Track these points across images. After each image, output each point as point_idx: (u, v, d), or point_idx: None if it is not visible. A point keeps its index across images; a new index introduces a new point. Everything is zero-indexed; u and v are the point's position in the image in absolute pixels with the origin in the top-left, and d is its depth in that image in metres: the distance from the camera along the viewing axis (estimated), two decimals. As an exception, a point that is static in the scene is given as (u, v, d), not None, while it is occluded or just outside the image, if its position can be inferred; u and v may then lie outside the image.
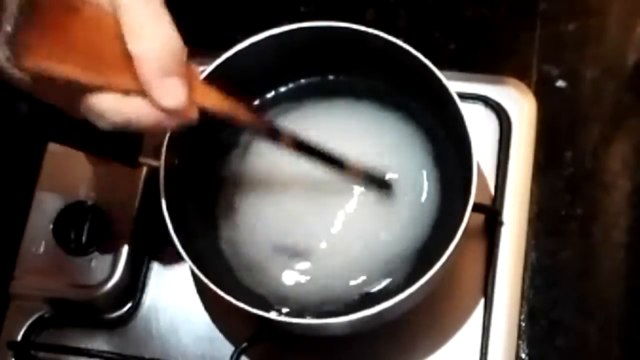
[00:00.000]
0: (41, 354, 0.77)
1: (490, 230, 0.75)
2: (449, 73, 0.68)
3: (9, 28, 0.50)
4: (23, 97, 0.61)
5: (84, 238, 0.75)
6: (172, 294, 0.77)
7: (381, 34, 0.69)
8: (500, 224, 0.75)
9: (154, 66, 0.52)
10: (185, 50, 0.54)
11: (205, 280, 0.65)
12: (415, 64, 0.68)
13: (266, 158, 0.74)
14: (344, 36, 0.70)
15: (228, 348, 0.73)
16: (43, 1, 0.51)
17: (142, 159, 0.69)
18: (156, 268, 0.78)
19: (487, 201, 0.75)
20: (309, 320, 0.66)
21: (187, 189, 0.72)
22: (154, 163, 0.69)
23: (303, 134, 0.64)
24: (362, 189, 0.71)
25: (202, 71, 0.70)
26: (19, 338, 0.76)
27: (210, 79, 0.70)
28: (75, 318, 0.77)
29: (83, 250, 0.75)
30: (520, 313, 0.73)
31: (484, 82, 0.79)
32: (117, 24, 0.52)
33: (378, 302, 0.64)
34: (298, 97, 0.76)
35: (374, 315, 0.64)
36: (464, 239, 0.65)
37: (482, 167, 0.76)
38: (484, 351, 0.72)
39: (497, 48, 0.82)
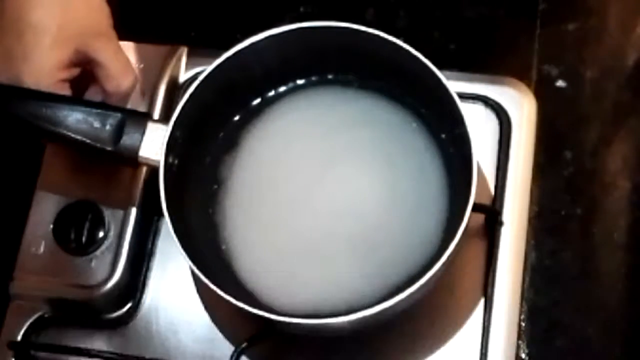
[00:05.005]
0: (41, 354, 0.77)
1: (490, 230, 0.75)
2: (449, 73, 0.68)
3: None
4: (23, 97, 0.61)
5: (84, 238, 0.75)
6: (172, 294, 0.77)
7: (381, 34, 0.69)
8: (500, 224, 0.74)
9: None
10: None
11: (205, 280, 0.65)
12: (415, 64, 0.68)
13: (266, 158, 0.74)
14: (344, 36, 0.70)
15: (228, 348, 0.73)
16: None
17: (142, 159, 0.69)
18: (156, 268, 0.78)
19: (487, 201, 0.75)
20: (309, 320, 0.66)
21: (187, 189, 0.72)
22: (154, 163, 0.69)
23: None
24: (363, 192, 0.71)
25: (202, 71, 0.70)
26: (19, 338, 0.76)
27: (210, 78, 0.70)
28: (75, 318, 0.77)
29: (83, 250, 0.75)
30: (520, 313, 0.73)
31: (484, 82, 0.79)
32: None
33: (378, 302, 0.64)
34: (297, 97, 0.76)
35: (373, 315, 0.64)
36: (464, 239, 0.65)
37: (482, 167, 0.76)
38: (484, 351, 0.72)
39: (497, 48, 0.82)
